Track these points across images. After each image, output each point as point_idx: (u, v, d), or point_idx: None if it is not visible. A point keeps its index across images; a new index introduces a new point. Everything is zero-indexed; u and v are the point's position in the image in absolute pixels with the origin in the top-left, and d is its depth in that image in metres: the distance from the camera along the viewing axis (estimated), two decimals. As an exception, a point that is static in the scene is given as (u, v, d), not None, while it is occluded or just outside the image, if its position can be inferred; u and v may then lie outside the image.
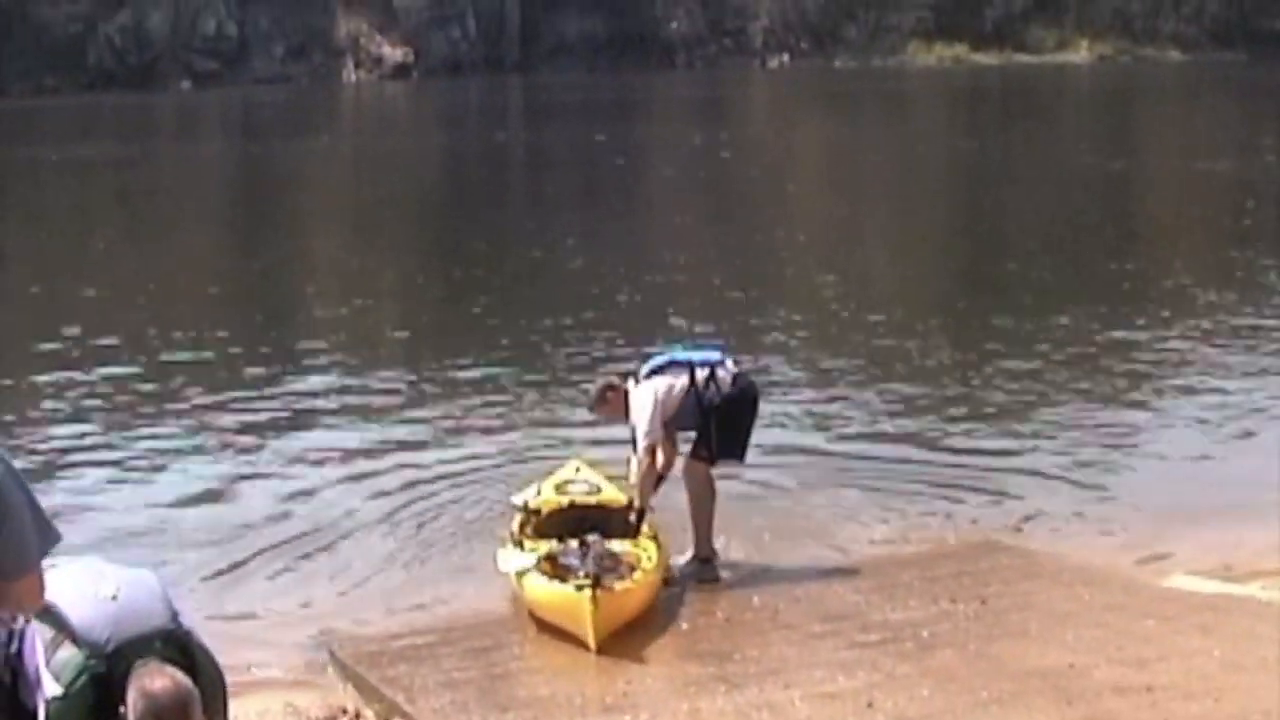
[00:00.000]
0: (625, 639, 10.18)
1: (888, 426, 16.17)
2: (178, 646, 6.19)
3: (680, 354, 11.94)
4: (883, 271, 28.85)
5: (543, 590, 10.47)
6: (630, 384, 11.75)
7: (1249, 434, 15.79)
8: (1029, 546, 12.30)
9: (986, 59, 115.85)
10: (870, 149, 54.96)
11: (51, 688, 6.07)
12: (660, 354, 12.06)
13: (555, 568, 10.68)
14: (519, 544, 11.25)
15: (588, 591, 10.03)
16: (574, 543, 10.96)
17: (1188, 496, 13.67)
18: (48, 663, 6.12)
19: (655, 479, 11.63)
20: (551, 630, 10.37)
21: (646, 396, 11.50)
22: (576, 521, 11.54)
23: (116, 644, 6.06)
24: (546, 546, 11.06)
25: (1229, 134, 55.64)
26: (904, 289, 26.39)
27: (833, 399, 17.62)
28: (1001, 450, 15.11)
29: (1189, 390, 17.75)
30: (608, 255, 29.33)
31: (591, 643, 9.96)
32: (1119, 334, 20.79)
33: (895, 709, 8.83)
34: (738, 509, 12.85)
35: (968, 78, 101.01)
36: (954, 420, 16.40)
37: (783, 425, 16.01)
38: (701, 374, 11.55)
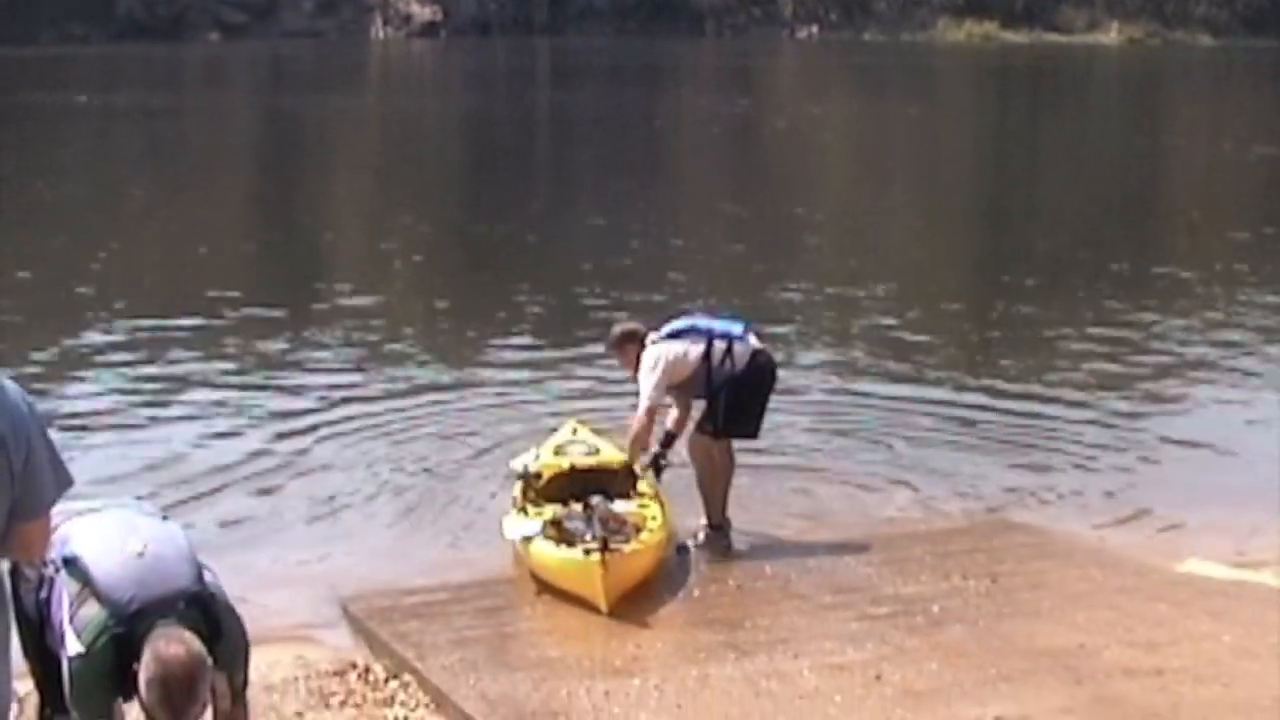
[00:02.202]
0: (636, 603, 10.20)
1: (905, 402, 16.14)
2: (200, 608, 6.22)
3: (702, 322, 11.78)
4: (906, 247, 28.81)
5: (551, 556, 10.46)
6: (649, 338, 11.69)
7: (1270, 422, 15.75)
8: (1042, 526, 12.30)
9: (1016, 37, 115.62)
10: (898, 123, 54.82)
11: (74, 645, 6.11)
12: (683, 318, 11.94)
13: (561, 532, 10.68)
14: (522, 510, 11.21)
15: (596, 555, 10.06)
16: (578, 506, 10.95)
17: (1205, 482, 13.65)
18: (72, 618, 6.15)
19: (647, 441, 11.54)
20: (560, 594, 10.37)
21: (656, 358, 11.40)
22: (578, 484, 11.50)
23: (140, 604, 6.09)
24: (550, 511, 11.03)
25: (1260, 119, 55.46)
26: (927, 265, 26.36)
27: (851, 373, 17.62)
28: (1018, 429, 15.09)
29: (1211, 376, 17.71)
30: (629, 221, 29.26)
31: (603, 606, 9.98)
32: (1142, 316, 20.78)
33: (903, 682, 8.84)
34: (753, 479, 12.87)
35: (997, 55, 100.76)
36: (971, 398, 16.39)
37: (800, 399, 16.01)
38: (719, 345, 11.42)
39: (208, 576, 6.42)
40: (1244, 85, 79.43)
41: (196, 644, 5.99)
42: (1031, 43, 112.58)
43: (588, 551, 10.15)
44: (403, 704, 8.90)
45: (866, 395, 16.55)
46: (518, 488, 11.66)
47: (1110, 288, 22.94)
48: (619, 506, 11.07)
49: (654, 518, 10.98)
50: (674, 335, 11.56)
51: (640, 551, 10.51)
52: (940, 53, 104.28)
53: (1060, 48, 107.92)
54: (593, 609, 10.05)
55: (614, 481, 11.56)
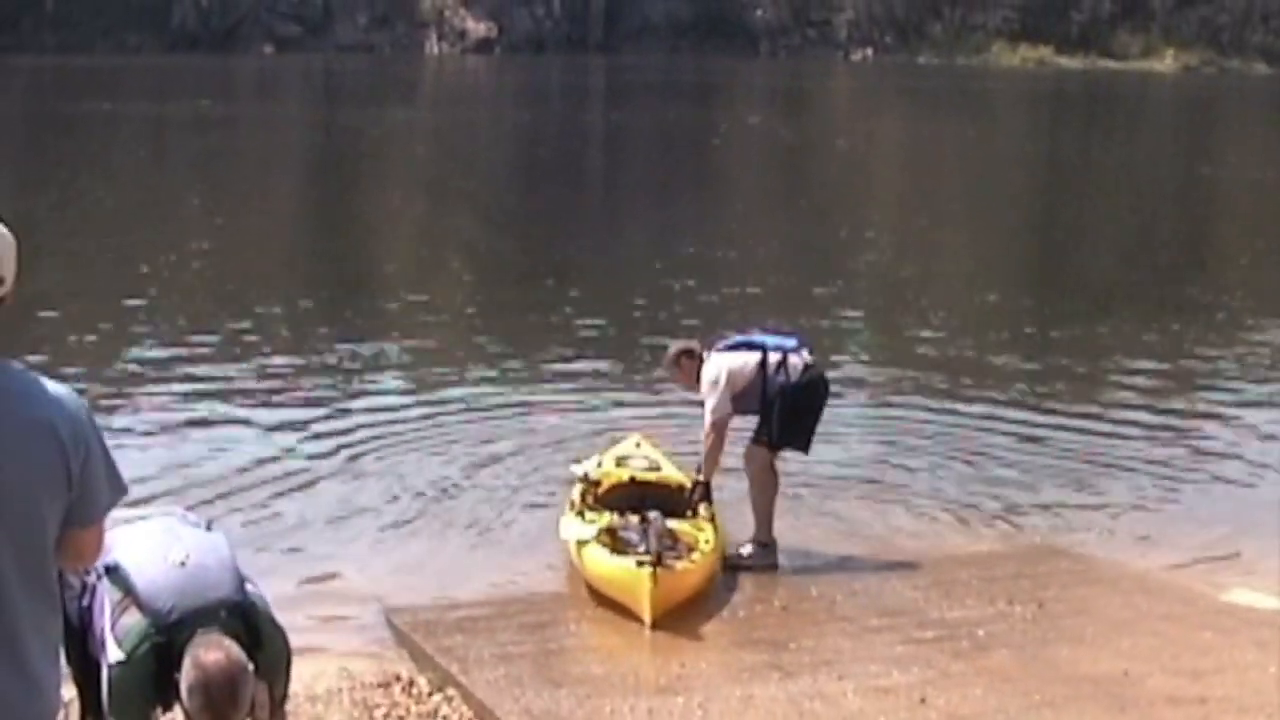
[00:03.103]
0: (681, 621, 10.23)
1: (955, 424, 16.11)
2: (242, 618, 6.25)
3: (756, 336, 11.97)
4: (960, 269, 28.74)
5: (603, 563, 10.58)
6: (705, 355, 11.76)
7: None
8: (1088, 552, 12.26)
9: (1070, 63, 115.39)
10: (952, 145, 54.79)
11: (114, 653, 6.14)
12: (737, 334, 12.08)
13: (615, 541, 10.81)
14: (580, 514, 11.35)
15: (648, 569, 10.13)
16: (634, 518, 11.14)
17: (1254, 513, 13.52)
18: (113, 626, 6.19)
19: (720, 453, 11.65)
20: (606, 603, 10.48)
21: (717, 370, 11.52)
22: (635, 497, 11.70)
23: (180, 614, 6.12)
24: (607, 518, 11.19)
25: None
26: (981, 287, 26.28)
27: (902, 394, 17.58)
28: (1068, 453, 15.04)
29: (1267, 407, 17.60)
30: (682, 238, 29.32)
31: (647, 618, 10.07)
32: (1197, 344, 20.69)
33: (947, 706, 8.83)
34: (801, 499, 12.95)
35: (1051, 80, 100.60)
36: (1021, 421, 16.33)
37: (851, 418, 16.03)
38: (774, 358, 11.52)
39: (250, 587, 6.45)
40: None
41: (237, 650, 6.02)
42: (1086, 68, 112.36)
43: (640, 563, 10.23)
44: (445, 718, 8.92)
45: (916, 416, 16.52)
46: (577, 491, 11.82)
47: (1166, 315, 22.86)
48: (674, 524, 11.16)
49: (707, 540, 11.05)
50: (730, 348, 11.69)
51: (690, 570, 10.58)
52: (995, 76, 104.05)
53: (1115, 74, 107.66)
54: (636, 621, 10.12)
55: (671, 499, 11.69)
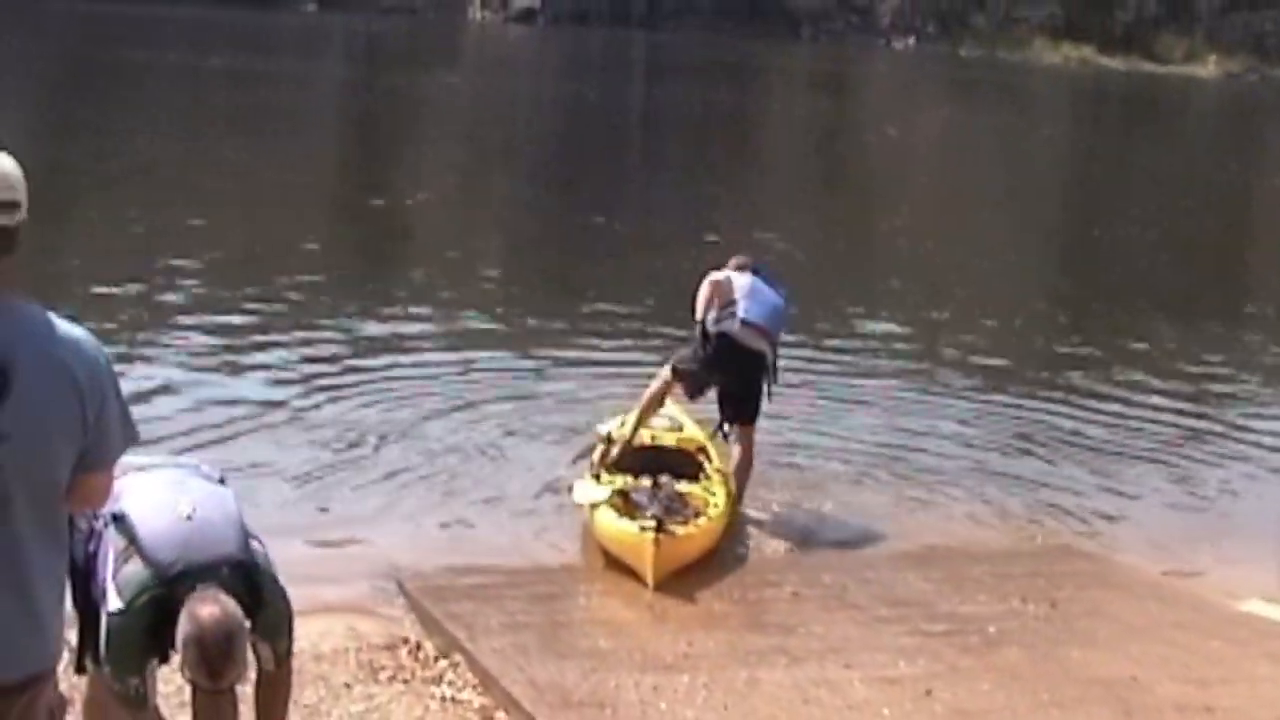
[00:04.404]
0: (690, 600, 10.26)
1: (978, 417, 16.05)
2: (243, 576, 6.22)
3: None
4: (994, 265, 28.65)
5: (611, 525, 10.89)
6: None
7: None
8: (1104, 554, 12.22)
9: (1112, 63, 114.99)
10: (992, 139, 54.67)
11: (114, 601, 6.12)
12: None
13: (627, 504, 11.16)
14: (596, 476, 11.69)
15: (650, 534, 10.41)
16: (647, 481, 11.52)
17: (1275, 523, 13.51)
18: (115, 574, 6.17)
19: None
20: (616, 564, 10.72)
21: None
22: (652, 459, 12.03)
23: (183, 567, 6.10)
24: (622, 481, 11.57)
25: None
26: (1007, 289, 26.19)
27: (929, 387, 17.51)
28: (1089, 456, 14.96)
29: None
30: (717, 215, 29.30)
31: (650, 581, 10.34)
32: (1225, 350, 20.59)
33: (954, 700, 8.78)
34: (819, 485, 12.96)
35: (1093, 80, 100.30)
36: (1044, 418, 16.25)
37: (877, 407, 16.07)
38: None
39: (255, 545, 6.42)
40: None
41: (233, 606, 5.99)
42: (1128, 69, 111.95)
43: (644, 528, 10.51)
44: (450, 683, 8.90)
45: (943, 407, 16.48)
46: (597, 452, 12.12)
47: (1203, 319, 22.82)
48: (684, 487, 11.55)
49: (716, 504, 11.37)
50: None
51: (694, 535, 10.88)
52: (1036, 73, 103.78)
53: (1156, 77, 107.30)
54: (643, 585, 10.37)
55: (687, 461, 12.06)
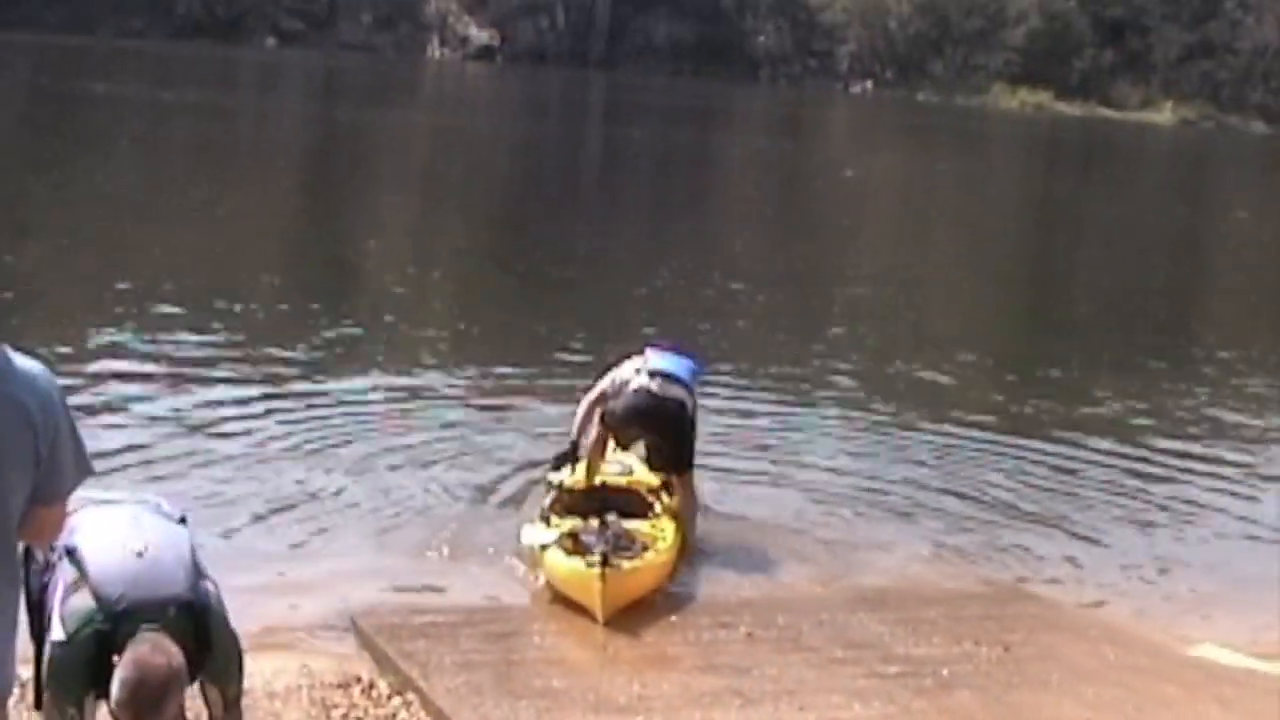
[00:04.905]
0: (643, 642, 10.27)
1: (932, 464, 16.03)
2: (191, 616, 6.19)
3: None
4: (941, 310, 28.69)
5: (560, 565, 10.98)
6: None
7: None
8: (1057, 598, 12.23)
9: (1069, 109, 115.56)
10: (948, 183, 54.88)
11: (57, 631, 6.10)
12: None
13: (576, 544, 11.21)
14: (545, 519, 11.78)
15: (597, 569, 10.53)
16: (595, 521, 11.55)
17: (1228, 567, 13.50)
18: (62, 604, 6.15)
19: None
20: (567, 603, 10.78)
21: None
22: (602, 501, 12.07)
23: (128, 604, 6.07)
24: (570, 524, 11.63)
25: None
26: (965, 330, 26.25)
27: (884, 428, 17.49)
28: (1043, 498, 14.96)
29: (1247, 460, 17.50)
30: (667, 257, 29.30)
31: (600, 616, 10.45)
32: (1182, 395, 20.58)
33: (907, 744, 8.79)
34: (775, 526, 12.99)
35: (1049, 126, 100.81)
36: (998, 460, 16.26)
37: (827, 451, 16.05)
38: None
39: (207, 586, 6.38)
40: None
41: (178, 660, 5.95)
42: (1085, 115, 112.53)
43: (590, 564, 10.66)
44: (403, 722, 8.88)
45: (898, 449, 16.48)
46: (549, 498, 12.18)
47: (1155, 361, 22.91)
48: (632, 524, 11.68)
49: (664, 539, 11.57)
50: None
51: (640, 569, 11.02)
52: (993, 118, 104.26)
53: (1113, 123, 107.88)
54: (592, 620, 10.48)
55: (636, 501, 12.16)
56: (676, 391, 12.23)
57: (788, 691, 9.51)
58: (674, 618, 10.82)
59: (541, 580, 11.23)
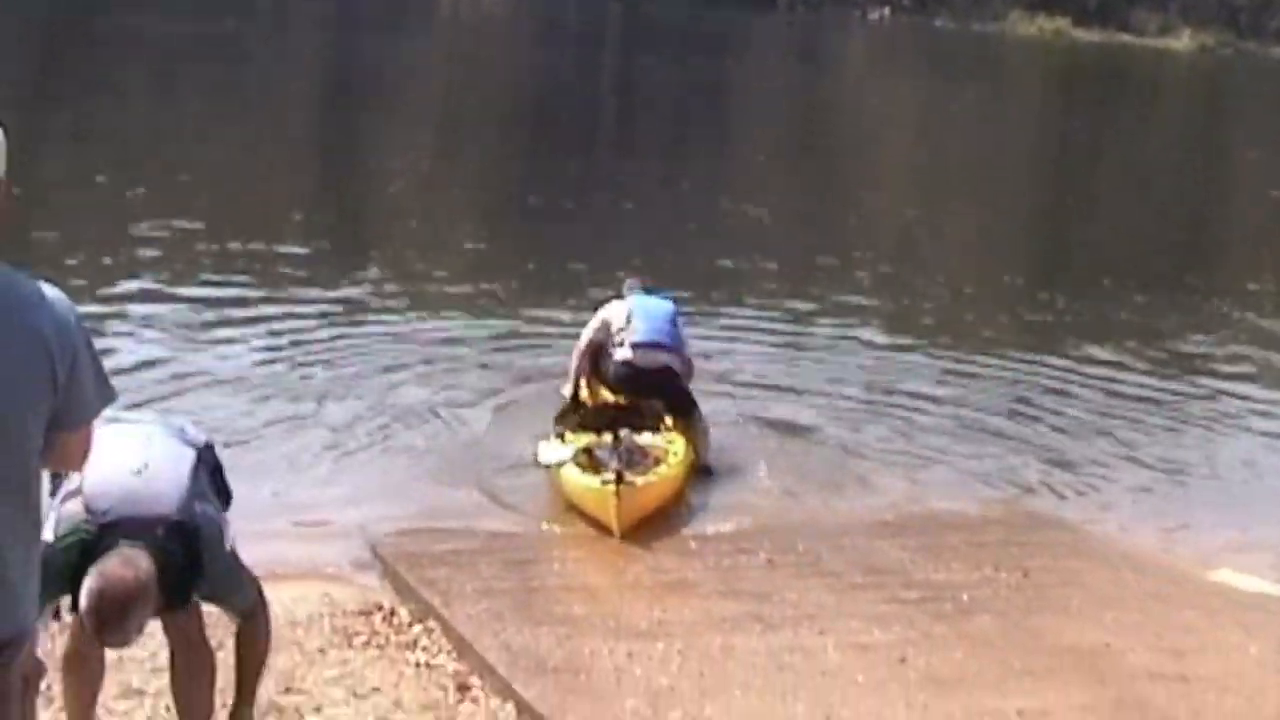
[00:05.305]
0: (664, 567, 10.31)
1: (956, 391, 15.97)
2: (181, 538, 6.18)
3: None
4: (968, 238, 28.59)
5: (575, 482, 11.26)
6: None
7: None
8: (1078, 523, 12.23)
9: (1087, 35, 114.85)
10: (966, 111, 54.63)
11: (48, 532, 6.09)
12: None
13: (591, 460, 11.50)
14: (560, 436, 12.05)
15: (612, 486, 10.76)
16: (608, 437, 11.85)
17: (1250, 495, 13.52)
18: (58, 507, 6.17)
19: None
20: (586, 521, 10.99)
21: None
22: (616, 416, 12.44)
23: (115, 518, 6.07)
24: (585, 440, 11.90)
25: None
26: (987, 259, 26.20)
27: (907, 358, 17.46)
28: (1067, 425, 14.96)
29: (1272, 392, 17.47)
30: (683, 190, 29.24)
31: (616, 531, 10.69)
32: (1204, 327, 20.45)
33: (927, 667, 8.79)
34: (795, 453, 12.98)
35: (1066, 53, 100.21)
36: (1024, 387, 16.24)
37: (850, 378, 16.04)
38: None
39: (206, 509, 6.37)
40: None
41: (146, 575, 5.93)
42: (1102, 42, 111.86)
43: (605, 481, 10.87)
44: (425, 649, 8.88)
45: (921, 379, 16.44)
46: (562, 414, 12.52)
47: (1177, 293, 22.80)
48: (644, 439, 11.99)
49: (675, 452, 11.82)
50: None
51: (654, 484, 11.27)
52: (1010, 44, 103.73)
53: (1130, 49, 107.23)
54: (608, 532, 10.74)
55: (648, 415, 12.46)
56: (659, 358, 12.54)
57: (808, 616, 9.52)
58: (694, 544, 10.87)
59: (560, 500, 11.40)
